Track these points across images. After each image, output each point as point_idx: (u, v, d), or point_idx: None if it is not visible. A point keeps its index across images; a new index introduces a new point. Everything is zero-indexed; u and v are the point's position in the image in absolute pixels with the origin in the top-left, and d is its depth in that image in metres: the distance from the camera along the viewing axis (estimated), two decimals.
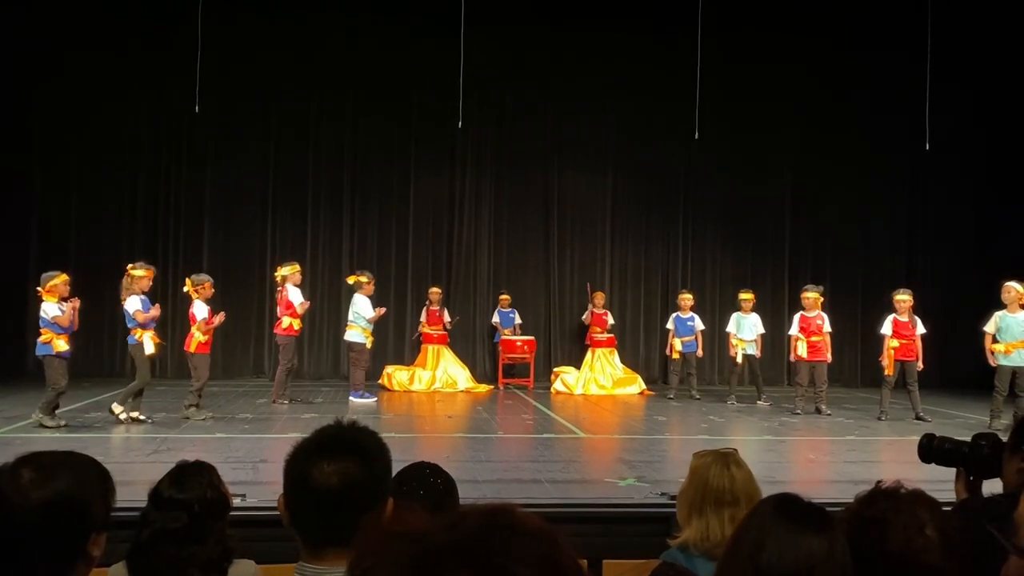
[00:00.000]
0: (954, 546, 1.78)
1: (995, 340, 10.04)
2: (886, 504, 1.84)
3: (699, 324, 13.14)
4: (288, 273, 11.20)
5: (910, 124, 13.55)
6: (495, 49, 13.96)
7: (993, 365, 10.05)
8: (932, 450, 2.70)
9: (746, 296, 12.63)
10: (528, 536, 0.82)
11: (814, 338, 11.33)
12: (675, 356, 13.06)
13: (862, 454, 8.44)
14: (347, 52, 14.00)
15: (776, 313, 14.67)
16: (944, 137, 13.45)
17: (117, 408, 9.01)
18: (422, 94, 14.22)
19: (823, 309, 11.67)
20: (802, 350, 11.32)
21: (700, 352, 13.22)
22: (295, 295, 11.10)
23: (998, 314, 10.07)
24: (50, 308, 8.71)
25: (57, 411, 8.82)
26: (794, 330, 11.58)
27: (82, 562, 1.73)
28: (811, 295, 11.50)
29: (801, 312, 11.60)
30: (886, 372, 10.82)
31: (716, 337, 14.28)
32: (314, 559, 1.66)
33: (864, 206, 15.37)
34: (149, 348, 9.18)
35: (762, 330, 12.55)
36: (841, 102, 14.73)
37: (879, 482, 1.93)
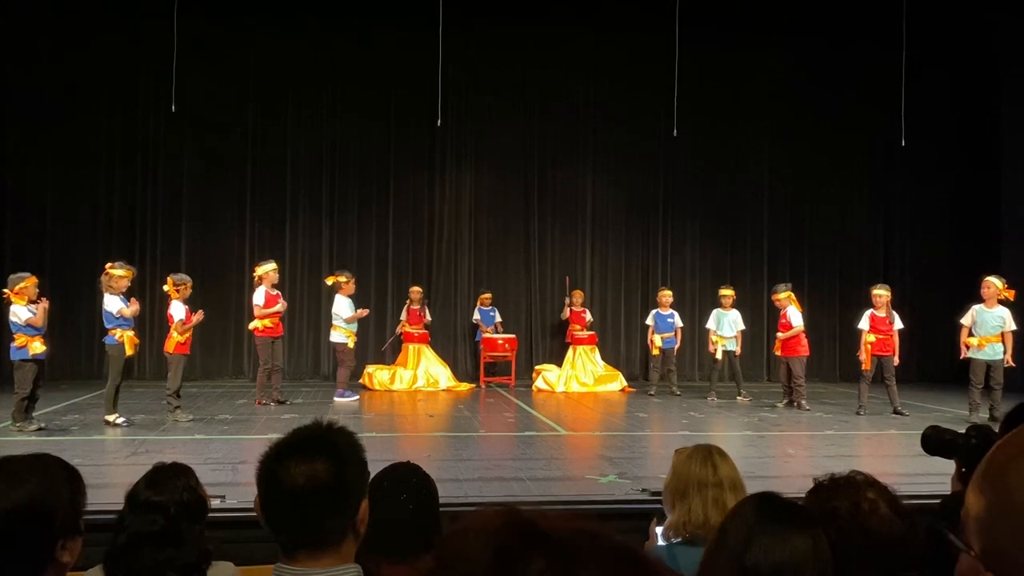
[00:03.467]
0: (901, 507, 1.82)
1: (971, 334, 10.15)
2: (829, 484, 1.89)
3: (678, 321, 13.19)
4: (263, 273, 11.09)
5: (886, 119, 13.65)
6: (473, 47, 13.94)
7: (964, 358, 10.17)
8: (933, 441, 2.71)
9: (726, 292, 12.66)
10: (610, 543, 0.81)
11: (784, 334, 11.43)
12: (655, 352, 13.11)
13: (840, 448, 8.49)
14: (325, 51, 13.93)
15: (756, 309, 14.75)
16: (920, 131, 13.56)
17: (110, 418, 8.94)
18: (401, 92, 14.18)
19: (798, 305, 11.72)
20: (776, 347, 11.48)
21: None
22: (257, 296, 11.00)
23: (975, 308, 10.17)
24: (21, 311, 8.60)
25: (34, 414, 8.72)
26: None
27: (51, 569, 1.70)
28: (780, 295, 11.61)
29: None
30: (863, 367, 10.90)
31: (696, 333, 14.32)
32: (290, 560, 1.64)
33: (842, 201, 15.48)
34: (128, 349, 9.11)
35: (742, 326, 12.61)
36: (818, 97, 14.83)
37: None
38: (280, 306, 11.11)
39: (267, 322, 10.94)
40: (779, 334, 11.55)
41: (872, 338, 10.85)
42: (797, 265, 15.43)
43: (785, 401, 11.45)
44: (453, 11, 12.06)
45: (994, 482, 0.91)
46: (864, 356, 10.90)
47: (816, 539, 1.58)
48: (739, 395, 12.25)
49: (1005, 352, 10.00)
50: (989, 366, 9.95)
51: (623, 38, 14.32)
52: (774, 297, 11.83)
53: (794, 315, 11.50)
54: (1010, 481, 0.90)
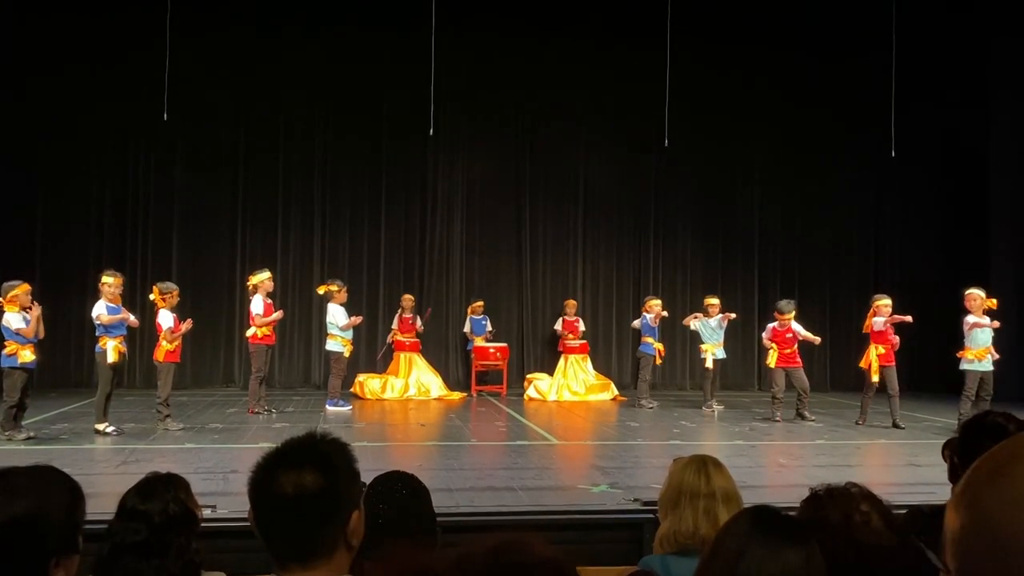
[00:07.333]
0: (894, 521, 1.82)
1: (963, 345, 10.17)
2: (823, 494, 1.90)
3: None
4: (258, 281, 11.10)
5: (876, 129, 13.70)
6: (466, 58, 13.98)
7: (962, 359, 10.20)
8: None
9: (712, 301, 12.59)
10: (534, 570, 0.79)
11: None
12: (657, 362, 12.89)
13: (833, 458, 8.50)
14: (317, 59, 13.91)
15: (746, 319, 14.76)
16: (910, 144, 13.61)
17: (100, 427, 8.90)
18: (393, 102, 14.19)
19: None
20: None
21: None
22: (256, 304, 10.98)
23: (973, 318, 10.16)
24: (13, 319, 8.57)
25: (23, 422, 8.68)
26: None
27: None
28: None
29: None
30: (873, 378, 10.70)
31: (688, 343, 14.34)
32: (282, 571, 1.64)
33: (832, 212, 15.53)
34: (111, 357, 9.05)
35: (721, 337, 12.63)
36: (808, 110, 14.89)
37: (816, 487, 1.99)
38: (278, 314, 11.13)
39: (265, 330, 10.92)
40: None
41: (881, 349, 10.77)
42: (788, 275, 15.48)
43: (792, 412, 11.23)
44: (446, 22, 12.09)
45: (971, 501, 0.89)
46: (872, 366, 10.75)
47: (810, 554, 1.58)
48: (706, 404, 12.18)
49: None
50: (982, 377, 10.00)
51: (615, 49, 14.35)
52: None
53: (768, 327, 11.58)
54: (986, 500, 0.88)
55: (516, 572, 0.80)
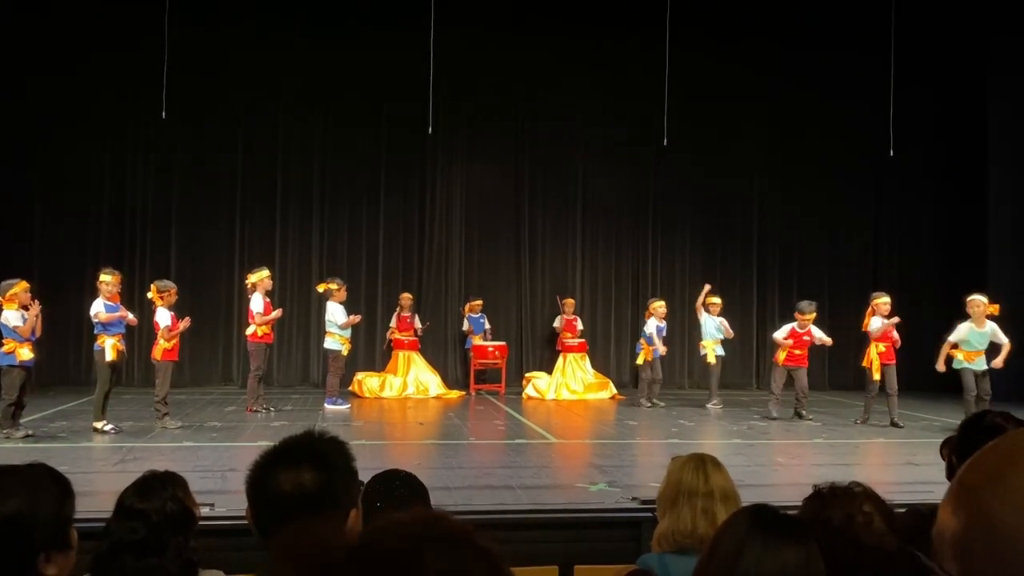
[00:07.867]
0: (896, 522, 1.83)
1: (954, 347, 10.18)
2: (827, 492, 1.90)
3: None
4: (256, 280, 11.09)
5: (874, 129, 13.72)
6: (465, 56, 13.96)
7: (941, 369, 10.16)
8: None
9: (714, 300, 12.61)
10: (443, 545, 0.78)
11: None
12: (639, 363, 12.93)
13: (831, 457, 8.51)
14: (316, 58, 13.91)
15: (745, 316, 14.77)
16: (908, 145, 13.63)
17: (98, 425, 8.90)
18: (392, 100, 14.18)
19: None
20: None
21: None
22: (256, 303, 10.98)
23: (968, 327, 10.12)
24: (11, 317, 8.57)
25: (21, 420, 8.68)
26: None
27: None
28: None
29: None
30: (874, 377, 10.69)
31: (688, 343, 14.33)
32: None
33: (830, 211, 15.53)
34: (109, 355, 9.06)
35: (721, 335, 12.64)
36: (807, 107, 14.89)
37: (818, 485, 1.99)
38: (278, 312, 11.14)
39: (264, 328, 10.92)
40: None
41: (881, 348, 10.77)
42: (786, 275, 15.48)
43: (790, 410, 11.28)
44: (445, 20, 12.08)
45: (970, 502, 0.87)
46: (874, 365, 10.73)
47: (809, 552, 1.58)
48: (711, 402, 12.19)
49: (998, 356, 10.05)
50: (976, 376, 10.02)
51: (614, 48, 14.36)
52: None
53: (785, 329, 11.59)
54: (988, 502, 0.85)
55: (425, 547, 0.78)
